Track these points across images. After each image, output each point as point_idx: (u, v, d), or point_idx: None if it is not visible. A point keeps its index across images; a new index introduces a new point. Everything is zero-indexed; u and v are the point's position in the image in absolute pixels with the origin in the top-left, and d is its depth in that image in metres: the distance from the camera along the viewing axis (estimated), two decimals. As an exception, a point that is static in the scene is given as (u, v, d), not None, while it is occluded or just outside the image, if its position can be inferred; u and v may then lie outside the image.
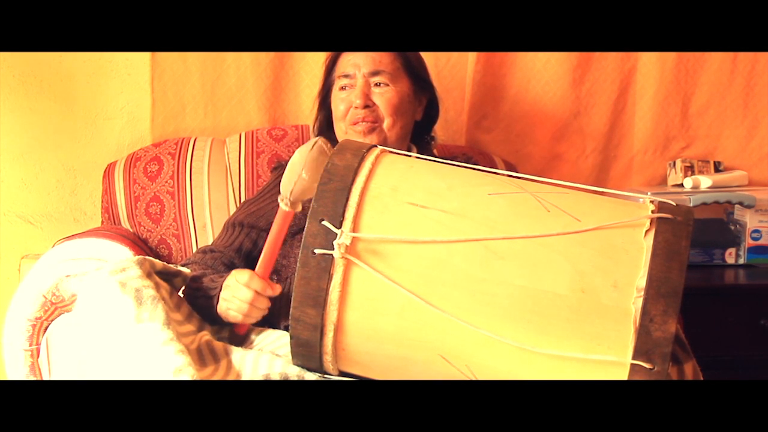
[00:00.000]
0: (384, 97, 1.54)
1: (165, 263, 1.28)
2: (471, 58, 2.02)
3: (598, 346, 1.03)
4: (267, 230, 1.50)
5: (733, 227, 2.03)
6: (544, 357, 1.04)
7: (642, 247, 1.05)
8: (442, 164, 1.20)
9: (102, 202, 1.86)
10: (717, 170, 2.11)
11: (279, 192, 1.24)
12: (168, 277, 1.28)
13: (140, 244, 1.75)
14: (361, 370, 1.15)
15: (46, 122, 1.96)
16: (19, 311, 1.42)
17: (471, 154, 1.75)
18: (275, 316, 1.36)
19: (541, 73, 2.06)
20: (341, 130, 1.57)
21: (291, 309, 1.09)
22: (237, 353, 1.19)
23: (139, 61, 1.95)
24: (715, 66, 2.12)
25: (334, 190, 1.10)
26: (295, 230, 1.47)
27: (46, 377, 1.43)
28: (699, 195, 1.99)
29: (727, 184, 2.05)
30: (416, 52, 1.64)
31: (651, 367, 1.01)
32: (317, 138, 1.28)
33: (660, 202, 1.11)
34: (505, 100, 2.08)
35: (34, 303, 1.41)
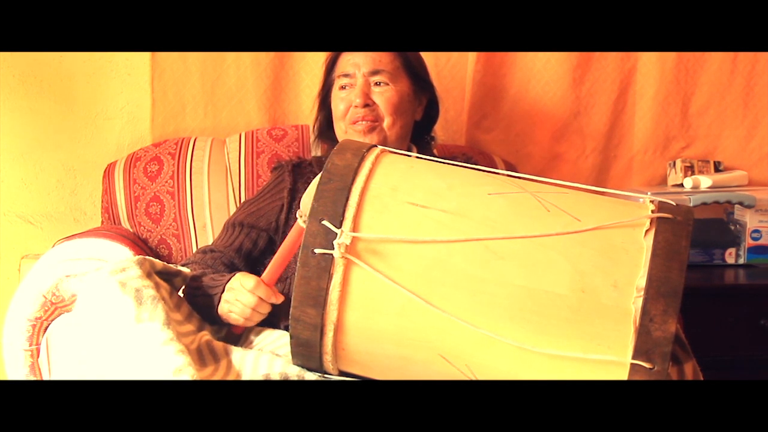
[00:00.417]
0: (384, 96, 1.54)
1: (165, 263, 1.28)
2: (471, 58, 2.02)
3: (598, 345, 1.03)
4: (267, 230, 1.51)
5: (733, 227, 2.03)
6: (544, 357, 1.04)
7: (642, 246, 1.05)
8: (442, 164, 1.20)
9: (102, 202, 1.86)
10: (717, 170, 2.11)
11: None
12: (168, 277, 1.28)
13: (140, 244, 1.75)
14: (361, 370, 1.15)
15: (46, 122, 1.96)
16: (19, 311, 1.42)
17: (471, 154, 1.75)
18: (275, 316, 1.36)
19: (541, 73, 2.06)
20: (341, 130, 1.57)
21: (291, 309, 1.09)
22: (237, 353, 1.19)
23: (139, 61, 1.95)
24: (715, 66, 2.12)
25: (334, 190, 1.10)
26: (296, 230, 1.47)
27: (46, 377, 1.43)
28: (699, 195, 1.99)
29: (727, 184, 2.05)
30: (416, 52, 1.64)
31: (651, 366, 1.01)
32: None
33: (660, 202, 1.11)
34: (505, 100, 2.08)
35: (34, 303, 1.41)
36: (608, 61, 2.08)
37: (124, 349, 1.12)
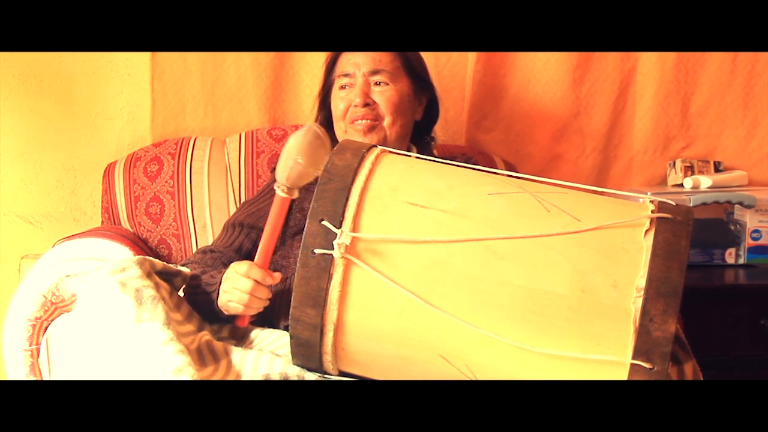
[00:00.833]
0: (384, 95, 1.54)
1: (165, 263, 1.28)
2: (471, 58, 2.02)
3: (597, 345, 1.03)
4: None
5: (733, 227, 2.03)
6: (543, 357, 1.04)
7: (642, 246, 1.05)
8: (442, 164, 1.20)
9: (102, 202, 1.86)
10: (717, 170, 2.11)
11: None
12: (168, 277, 1.28)
13: (140, 244, 1.75)
14: (361, 370, 1.15)
15: (46, 122, 1.96)
16: (19, 311, 1.42)
17: (471, 154, 1.75)
18: (275, 316, 1.36)
19: (541, 73, 2.06)
20: (341, 129, 1.57)
21: (291, 309, 1.09)
22: (237, 353, 1.19)
23: (139, 61, 1.95)
24: (715, 66, 2.12)
25: (334, 190, 1.10)
26: (295, 230, 1.47)
27: (46, 377, 1.43)
28: (699, 195, 1.99)
29: (727, 184, 2.05)
30: (416, 52, 1.64)
31: (651, 366, 1.01)
32: (311, 124, 1.28)
33: (660, 202, 1.11)
34: (505, 100, 2.08)
35: (34, 303, 1.41)
36: (608, 61, 2.08)
37: (124, 349, 1.12)
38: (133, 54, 1.95)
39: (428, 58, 1.69)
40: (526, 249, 1.06)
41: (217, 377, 1.14)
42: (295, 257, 1.42)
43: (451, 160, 1.24)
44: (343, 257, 1.06)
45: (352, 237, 1.07)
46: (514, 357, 1.05)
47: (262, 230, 1.49)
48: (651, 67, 2.09)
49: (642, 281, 1.03)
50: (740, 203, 2.00)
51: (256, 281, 1.25)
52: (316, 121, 1.69)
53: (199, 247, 1.76)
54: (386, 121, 1.54)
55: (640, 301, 1.02)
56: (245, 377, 1.15)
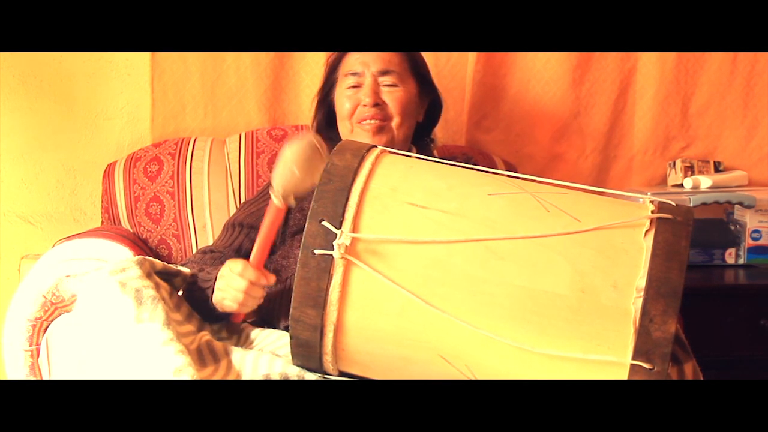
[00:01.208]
0: (393, 96, 1.54)
1: (165, 263, 1.28)
2: (471, 58, 2.02)
3: (597, 346, 1.03)
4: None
5: (733, 227, 2.03)
6: (543, 357, 1.04)
7: (642, 247, 1.05)
8: (442, 164, 1.20)
9: (102, 202, 1.86)
10: (717, 170, 2.11)
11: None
12: (168, 277, 1.28)
13: (140, 244, 1.75)
14: (361, 371, 1.15)
15: (46, 122, 1.96)
16: (19, 311, 1.42)
17: (471, 154, 1.75)
18: (275, 316, 1.36)
19: (541, 73, 2.06)
20: (346, 129, 1.57)
21: (291, 309, 1.09)
22: (237, 353, 1.19)
23: (139, 61, 1.95)
24: (715, 66, 2.12)
25: (334, 191, 1.10)
26: (295, 230, 1.47)
27: (46, 377, 1.43)
28: (699, 195, 1.99)
29: (727, 184, 2.05)
30: (420, 54, 1.64)
31: (651, 367, 1.01)
32: (308, 134, 1.28)
33: (660, 202, 1.11)
34: (505, 100, 2.08)
35: (34, 303, 1.41)
36: (608, 61, 2.09)
37: (124, 350, 1.12)
38: (133, 54, 1.95)
39: (428, 58, 1.69)
40: (526, 249, 1.06)
41: (217, 377, 1.14)
42: (295, 257, 1.42)
43: (451, 160, 1.24)
44: (343, 258, 1.06)
45: (352, 237, 1.07)
46: (514, 357, 1.05)
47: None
48: (651, 67, 2.09)
49: (642, 281, 1.03)
50: (740, 203, 2.00)
51: (251, 281, 1.26)
52: (314, 119, 1.69)
53: (199, 247, 1.76)
54: (395, 122, 1.54)
55: (640, 302, 1.02)
56: (245, 377, 1.15)
